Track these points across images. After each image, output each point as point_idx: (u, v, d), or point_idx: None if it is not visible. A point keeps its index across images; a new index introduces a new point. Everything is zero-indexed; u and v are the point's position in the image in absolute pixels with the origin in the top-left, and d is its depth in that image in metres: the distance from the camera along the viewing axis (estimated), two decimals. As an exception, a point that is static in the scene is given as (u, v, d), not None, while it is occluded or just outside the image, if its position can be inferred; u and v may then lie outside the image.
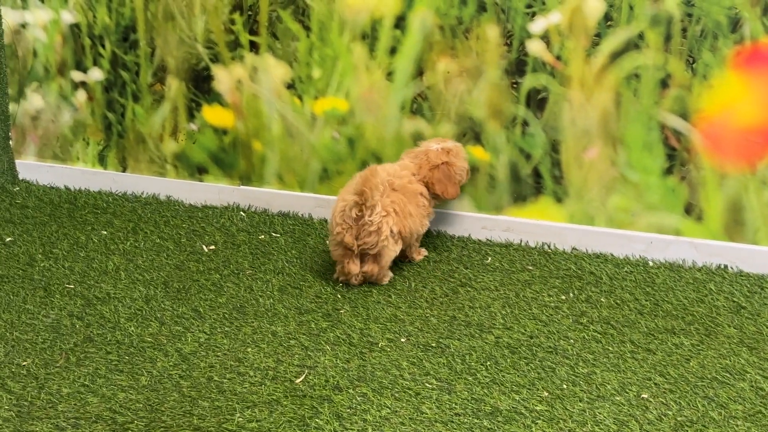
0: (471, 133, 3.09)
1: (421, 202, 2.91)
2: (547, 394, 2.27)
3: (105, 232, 3.27)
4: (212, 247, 3.14)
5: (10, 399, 2.32)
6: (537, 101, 3.01)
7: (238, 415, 2.24)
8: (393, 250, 2.80)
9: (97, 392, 2.35)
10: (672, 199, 2.94)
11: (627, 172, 2.97)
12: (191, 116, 3.43)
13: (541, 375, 2.36)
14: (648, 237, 2.99)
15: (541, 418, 2.18)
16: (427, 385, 2.33)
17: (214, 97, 3.39)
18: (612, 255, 3.06)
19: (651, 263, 3.00)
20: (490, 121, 3.06)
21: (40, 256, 3.08)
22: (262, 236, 3.20)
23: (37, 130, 3.66)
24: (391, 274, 2.88)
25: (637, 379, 2.32)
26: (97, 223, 3.34)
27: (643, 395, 2.26)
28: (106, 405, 2.30)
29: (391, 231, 2.77)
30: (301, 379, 2.37)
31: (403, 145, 3.16)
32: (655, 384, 2.31)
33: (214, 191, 3.46)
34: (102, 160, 3.61)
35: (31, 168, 3.71)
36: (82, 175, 3.64)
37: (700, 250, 2.95)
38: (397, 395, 2.29)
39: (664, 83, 2.87)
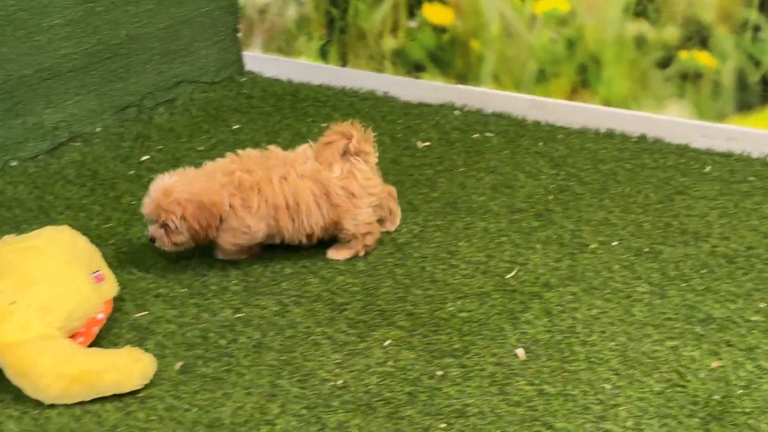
0: (697, 37, 2.99)
1: None
2: (764, 305, 2.23)
3: (325, 125, 3.36)
4: (427, 143, 3.20)
5: (238, 274, 2.49)
6: (771, 5, 2.87)
7: (449, 304, 2.31)
8: None
9: (317, 274, 2.48)
10: None
11: None
12: (411, 14, 3.47)
13: (758, 286, 2.31)
14: None
15: (757, 328, 2.14)
16: (638, 288, 2.33)
17: (435, -5, 3.41)
18: (841, 170, 2.92)
19: None
20: (719, 25, 2.95)
21: (264, 143, 3.22)
22: (476, 135, 3.23)
23: (264, 23, 3.80)
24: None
25: None
26: (317, 116, 3.46)
27: None
28: (325, 286, 2.42)
29: None
30: (511, 274, 2.42)
31: (623, 48, 3.09)
32: None
33: (430, 89, 3.51)
34: (324, 54, 3.72)
35: (257, 60, 3.86)
36: (305, 68, 3.76)
37: None
38: (607, 296, 2.30)
39: None
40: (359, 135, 2.49)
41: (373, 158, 2.54)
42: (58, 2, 3.14)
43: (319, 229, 2.48)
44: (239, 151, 2.53)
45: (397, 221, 2.68)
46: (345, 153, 2.48)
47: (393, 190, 2.69)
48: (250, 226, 2.44)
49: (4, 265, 2.13)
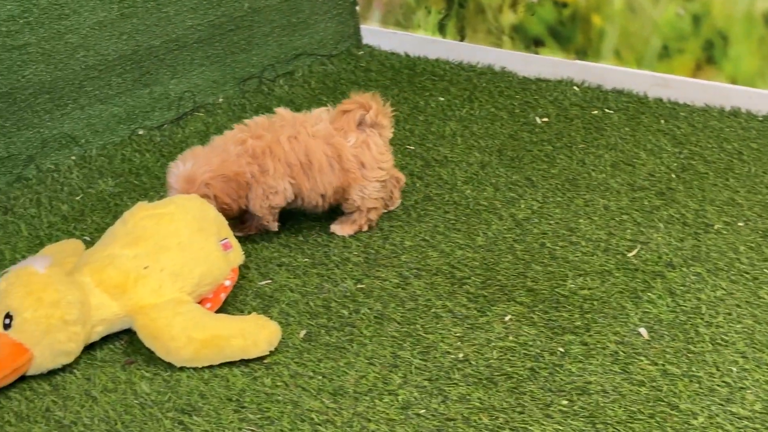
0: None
1: None
2: None
3: (442, 99, 3.39)
4: (545, 119, 3.18)
5: (359, 246, 2.52)
6: None
7: (570, 281, 2.31)
8: None
9: (437, 247, 2.49)
10: None
11: None
12: (531, -12, 3.44)
13: None
14: None
15: None
16: (766, 270, 2.28)
17: (556, -31, 3.37)
18: None
19: None
20: None
21: (382, 117, 3.25)
22: (595, 111, 3.20)
23: (383, -3, 3.82)
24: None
25: None
26: (434, 90, 3.46)
27: None
28: (445, 260, 2.44)
29: None
30: (633, 253, 2.40)
31: (752, 25, 3.01)
32: None
33: (548, 64, 3.48)
34: (442, 29, 3.72)
35: (375, 33, 3.89)
36: (422, 42, 3.77)
37: None
38: (733, 278, 2.26)
39: None
40: (377, 107, 2.52)
41: (388, 132, 2.56)
42: (186, -26, 3.22)
43: (332, 189, 2.51)
44: (246, 120, 2.56)
45: (393, 206, 2.68)
46: (361, 124, 2.50)
47: (402, 177, 2.70)
48: (274, 186, 2.47)
49: (139, 230, 2.20)
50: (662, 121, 3.07)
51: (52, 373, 2.10)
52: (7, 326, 2.04)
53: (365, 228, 2.57)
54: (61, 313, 2.05)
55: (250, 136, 2.48)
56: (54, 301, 2.05)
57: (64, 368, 2.11)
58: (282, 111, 2.57)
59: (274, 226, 2.55)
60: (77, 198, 2.86)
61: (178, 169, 2.45)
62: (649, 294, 2.23)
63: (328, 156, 2.47)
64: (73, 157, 3.07)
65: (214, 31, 3.35)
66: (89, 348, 2.16)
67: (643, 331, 2.11)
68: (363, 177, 2.50)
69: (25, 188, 2.93)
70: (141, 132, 3.22)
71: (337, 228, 2.58)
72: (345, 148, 2.48)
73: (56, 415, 2.00)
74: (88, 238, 2.60)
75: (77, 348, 2.10)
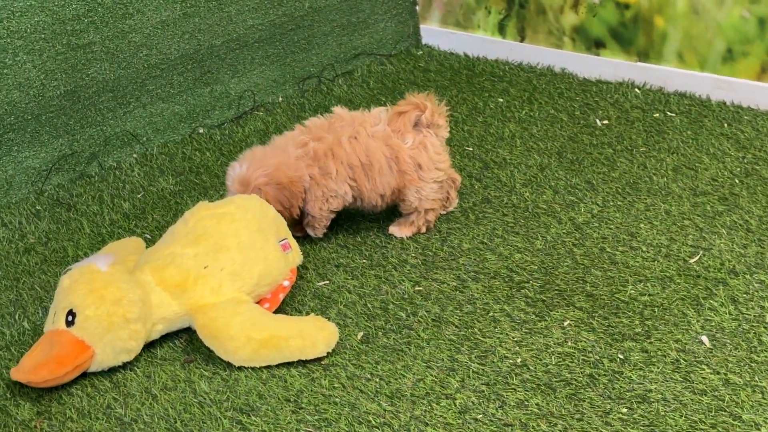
0: None
1: None
2: None
3: (501, 100, 3.37)
4: (605, 121, 3.14)
5: (416, 248, 2.52)
6: None
7: (630, 287, 2.28)
8: None
9: (495, 250, 2.48)
10: None
11: None
12: (593, -12, 3.41)
13: None
14: None
15: None
16: (832, 280, 2.24)
17: (619, -30, 3.34)
18: None
19: None
20: None
21: (441, 118, 3.24)
22: (657, 114, 3.16)
23: (443, -3, 3.82)
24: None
25: None
26: (493, 91, 3.45)
27: None
28: (503, 263, 2.42)
29: None
30: (695, 259, 2.36)
31: (820, 27, 2.96)
32: None
33: (609, 66, 3.44)
34: (502, 29, 3.70)
35: (434, 33, 3.88)
36: (482, 43, 3.75)
37: None
38: (798, 287, 2.23)
39: None
40: (433, 107, 2.51)
41: (445, 132, 2.56)
42: (248, -26, 3.25)
43: (390, 190, 2.50)
44: (306, 121, 2.56)
45: (451, 207, 2.67)
46: (417, 124, 2.50)
47: (458, 178, 2.68)
48: (335, 189, 2.48)
49: (199, 230, 2.22)
50: (725, 125, 3.02)
51: (113, 370, 2.13)
52: (69, 323, 2.07)
53: (423, 230, 2.57)
54: (122, 311, 2.07)
55: (311, 138, 2.49)
56: (116, 299, 2.07)
57: (125, 366, 2.14)
58: (339, 110, 2.58)
59: (321, 232, 2.56)
60: (138, 196, 2.89)
61: (234, 171, 2.47)
62: (711, 301, 2.20)
63: (386, 157, 2.47)
64: (135, 155, 3.11)
65: (274, 30, 3.37)
66: (149, 346, 2.19)
67: (704, 339, 2.08)
68: (420, 178, 2.50)
69: (88, 185, 2.97)
70: (201, 130, 3.25)
71: (395, 230, 2.58)
72: (402, 150, 2.48)
73: (117, 412, 2.02)
74: (148, 236, 2.64)
75: (138, 346, 2.13)
